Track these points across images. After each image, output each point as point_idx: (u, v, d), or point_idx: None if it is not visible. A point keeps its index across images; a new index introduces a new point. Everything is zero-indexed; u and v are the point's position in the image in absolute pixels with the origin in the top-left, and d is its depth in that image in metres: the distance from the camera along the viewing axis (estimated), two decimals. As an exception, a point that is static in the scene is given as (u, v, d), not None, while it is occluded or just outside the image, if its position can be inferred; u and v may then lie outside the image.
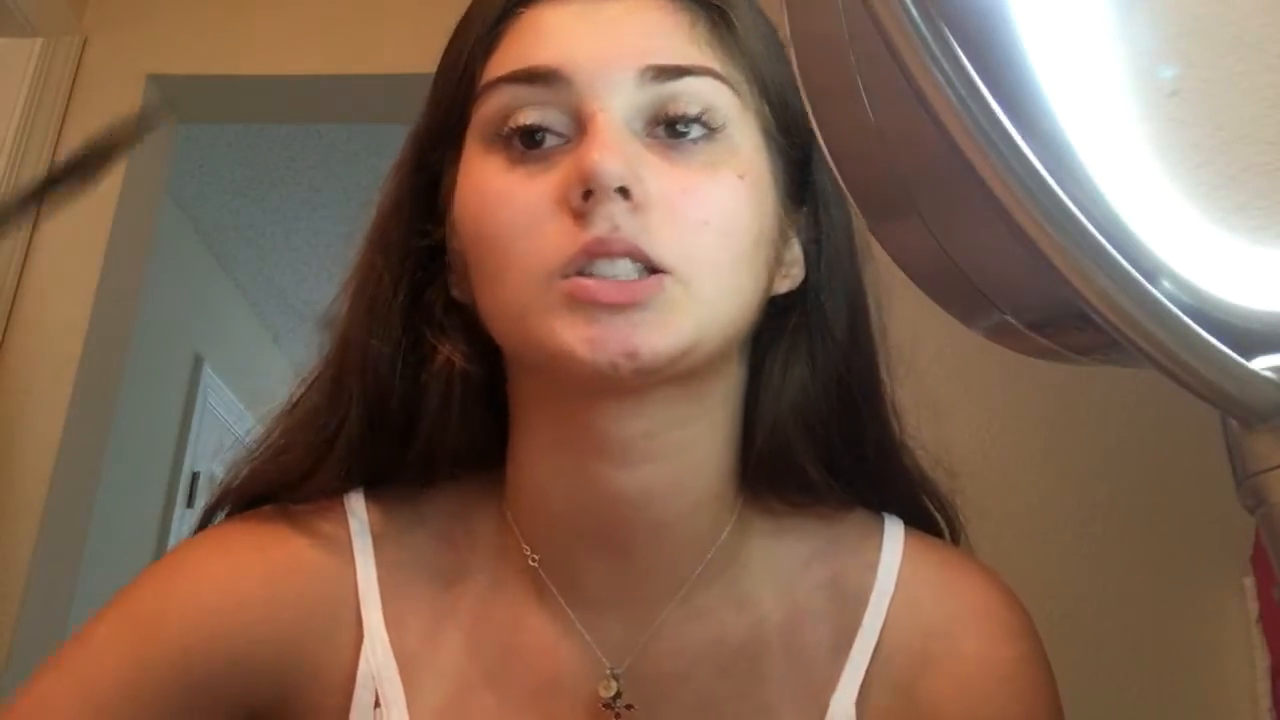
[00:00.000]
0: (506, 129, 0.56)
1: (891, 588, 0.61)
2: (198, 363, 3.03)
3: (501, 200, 0.55)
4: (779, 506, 0.63)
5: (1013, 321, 0.34)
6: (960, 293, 0.34)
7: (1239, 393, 0.27)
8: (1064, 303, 0.31)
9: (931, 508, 0.66)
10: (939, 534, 0.66)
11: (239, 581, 0.59)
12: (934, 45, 0.27)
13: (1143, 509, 1.19)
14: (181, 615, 0.57)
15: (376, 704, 0.57)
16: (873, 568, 0.61)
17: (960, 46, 0.27)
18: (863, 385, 0.63)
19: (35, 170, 1.75)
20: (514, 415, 0.61)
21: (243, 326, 3.37)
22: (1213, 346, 0.27)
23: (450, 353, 0.60)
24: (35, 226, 1.74)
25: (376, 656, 0.58)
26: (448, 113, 0.59)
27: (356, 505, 0.62)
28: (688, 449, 0.58)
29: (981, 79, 0.27)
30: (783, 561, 0.62)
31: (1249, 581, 1.14)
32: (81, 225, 1.73)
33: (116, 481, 2.11)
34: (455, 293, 0.60)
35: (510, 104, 0.56)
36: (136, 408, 2.00)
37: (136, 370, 1.96)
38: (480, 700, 0.59)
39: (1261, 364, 0.28)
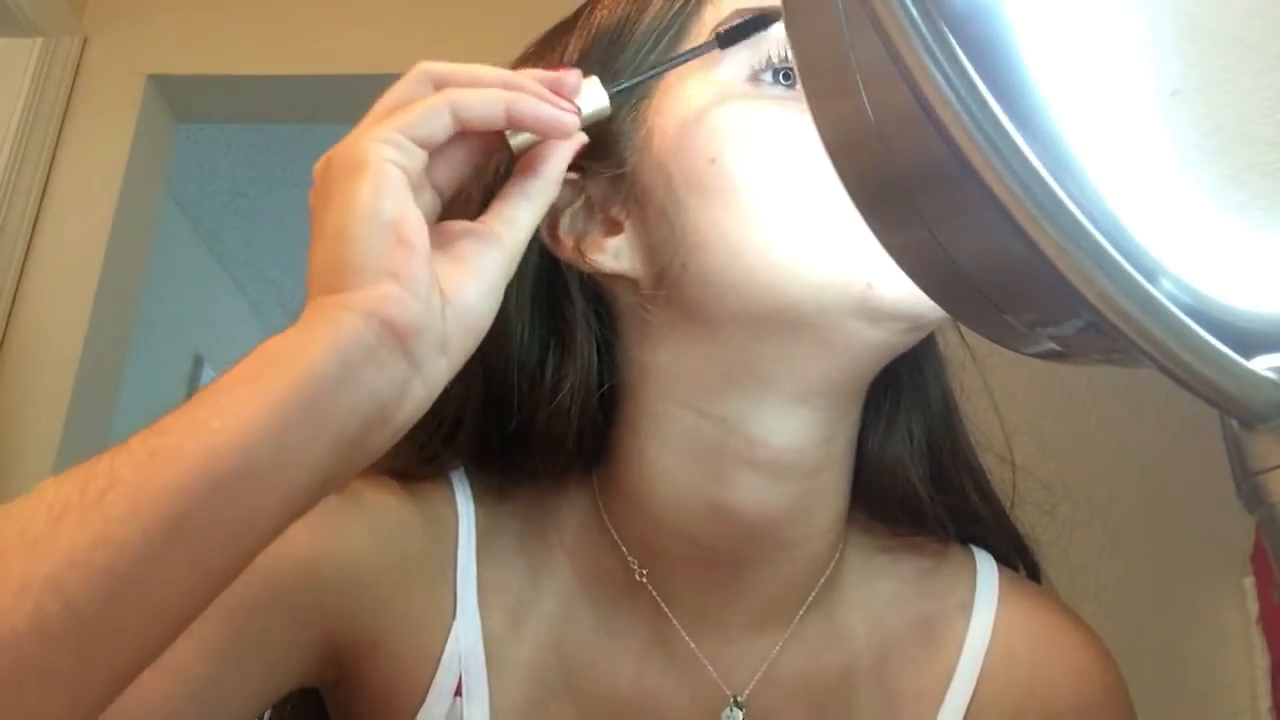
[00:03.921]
0: (764, 63, 0.54)
1: (987, 636, 0.60)
2: (198, 363, 3.03)
3: (797, 137, 0.52)
4: (883, 533, 0.62)
5: (1013, 322, 0.34)
6: (961, 293, 0.34)
7: (1239, 393, 0.27)
8: (1064, 303, 0.31)
9: (1014, 546, 0.65)
10: (1016, 568, 0.65)
11: (345, 546, 0.56)
12: (934, 45, 0.27)
13: (1143, 510, 1.19)
14: (284, 570, 0.54)
15: (457, 691, 0.56)
16: (966, 609, 0.61)
17: (960, 46, 0.27)
18: (956, 412, 0.63)
19: (35, 170, 1.75)
20: (640, 417, 0.58)
21: (243, 326, 3.37)
22: (1213, 346, 0.27)
23: (592, 332, 0.57)
24: (35, 226, 1.74)
25: (467, 639, 0.57)
26: (656, 34, 0.56)
27: (460, 480, 0.61)
28: (825, 468, 0.57)
29: (981, 79, 0.27)
30: (875, 592, 0.61)
31: (1249, 581, 1.14)
32: (81, 225, 1.73)
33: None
34: (596, 258, 0.57)
35: (769, 37, 0.54)
36: (136, 408, 2.00)
37: (136, 370, 1.96)
38: (561, 707, 0.57)
39: (1261, 364, 0.28)
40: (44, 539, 0.37)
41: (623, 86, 0.53)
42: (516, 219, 0.48)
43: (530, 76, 0.49)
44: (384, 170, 0.44)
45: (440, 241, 0.46)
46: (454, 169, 0.49)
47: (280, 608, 0.53)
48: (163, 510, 0.38)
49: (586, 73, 0.56)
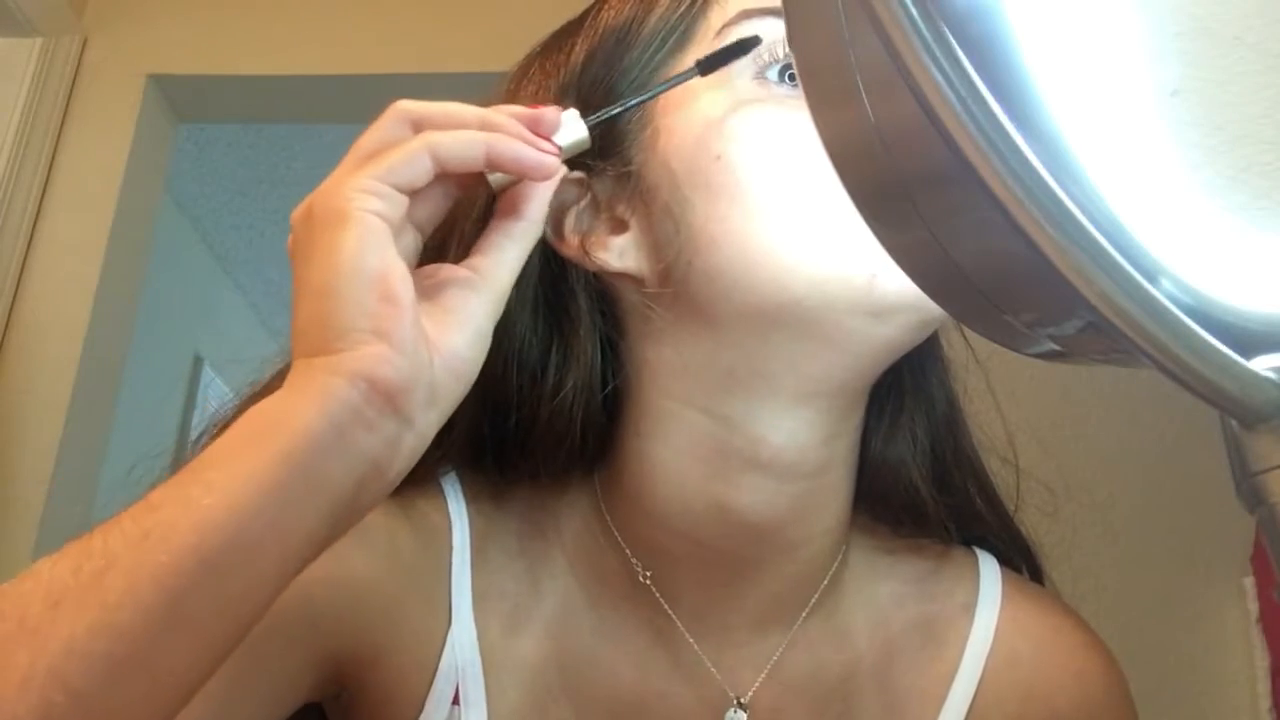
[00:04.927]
0: (768, 61, 0.54)
1: (990, 637, 0.60)
2: (198, 363, 3.03)
3: (801, 134, 0.52)
4: (886, 535, 0.62)
5: (1013, 322, 0.34)
6: (960, 293, 0.34)
7: (1239, 393, 0.27)
8: (1064, 303, 0.31)
9: (1016, 547, 0.65)
10: (1019, 569, 0.65)
11: (338, 565, 0.56)
12: (934, 45, 0.27)
13: (1143, 510, 1.19)
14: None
15: (455, 700, 0.56)
16: (969, 610, 0.61)
17: (960, 47, 0.27)
18: (959, 413, 0.64)
19: (35, 170, 1.75)
20: (644, 416, 0.58)
21: (243, 326, 3.37)
22: (1213, 346, 0.27)
23: (596, 330, 0.57)
24: (35, 226, 1.74)
25: (463, 649, 0.57)
26: (662, 34, 0.57)
27: (452, 485, 0.60)
28: (828, 469, 0.57)
29: (981, 79, 0.27)
30: (877, 593, 0.61)
31: (1249, 581, 1.14)
32: (81, 225, 1.73)
33: (116, 482, 2.10)
34: (601, 256, 0.57)
35: (774, 38, 0.54)
36: (136, 408, 2.00)
37: (136, 370, 1.96)
38: (561, 710, 0.57)
39: (1261, 364, 0.28)
40: (43, 628, 0.37)
41: (601, 118, 0.53)
42: (501, 262, 0.48)
43: (509, 114, 0.49)
44: (366, 221, 0.44)
45: (425, 290, 0.46)
46: (434, 207, 0.49)
47: (277, 635, 0.53)
48: (159, 592, 0.38)
49: (591, 75, 0.56)
